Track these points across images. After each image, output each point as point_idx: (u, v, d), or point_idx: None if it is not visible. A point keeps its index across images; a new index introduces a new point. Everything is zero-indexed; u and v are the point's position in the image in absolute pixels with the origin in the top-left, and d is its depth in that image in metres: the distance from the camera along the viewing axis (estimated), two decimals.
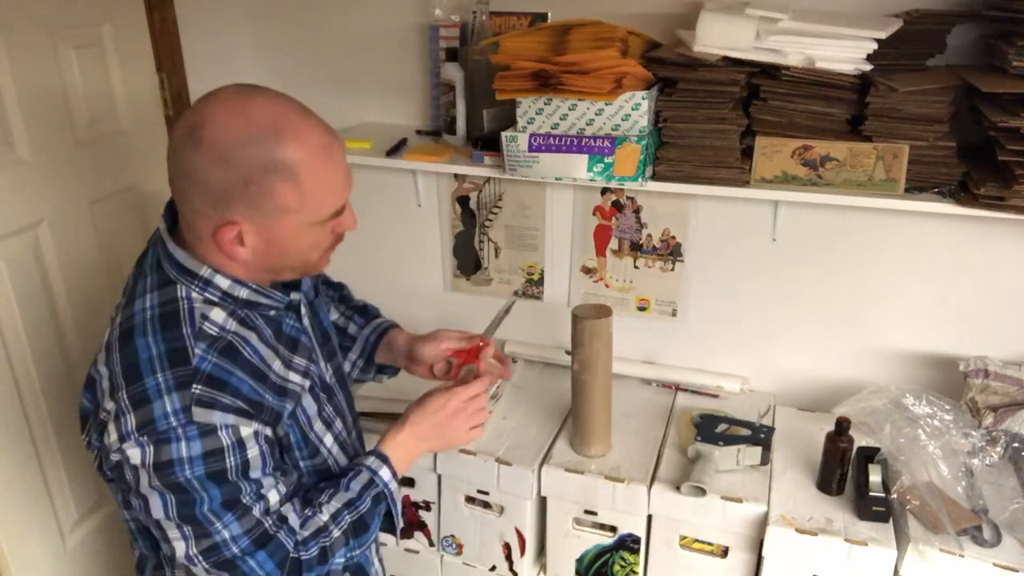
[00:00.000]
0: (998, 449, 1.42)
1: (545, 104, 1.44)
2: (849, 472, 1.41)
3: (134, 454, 0.90)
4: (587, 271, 1.82)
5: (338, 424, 1.14)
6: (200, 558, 0.95)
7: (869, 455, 1.41)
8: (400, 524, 1.14)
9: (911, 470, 1.36)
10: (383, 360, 1.35)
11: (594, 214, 1.77)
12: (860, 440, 1.44)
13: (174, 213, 0.99)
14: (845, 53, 1.32)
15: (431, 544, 1.70)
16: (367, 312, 1.38)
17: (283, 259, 0.99)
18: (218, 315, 0.97)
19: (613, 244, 1.78)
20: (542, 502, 1.60)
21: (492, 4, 1.61)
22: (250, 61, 1.92)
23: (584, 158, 1.44)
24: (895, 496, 1.35)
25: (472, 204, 1.86)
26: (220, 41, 1.89)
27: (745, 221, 1.64)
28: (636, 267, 1.78)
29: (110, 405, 0.92)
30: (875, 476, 1.35)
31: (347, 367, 1.32)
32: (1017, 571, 1.23)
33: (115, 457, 0.92)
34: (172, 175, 0.93)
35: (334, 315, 1.35)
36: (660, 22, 1.55)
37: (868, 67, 1.33)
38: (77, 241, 1.62)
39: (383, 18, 1.77)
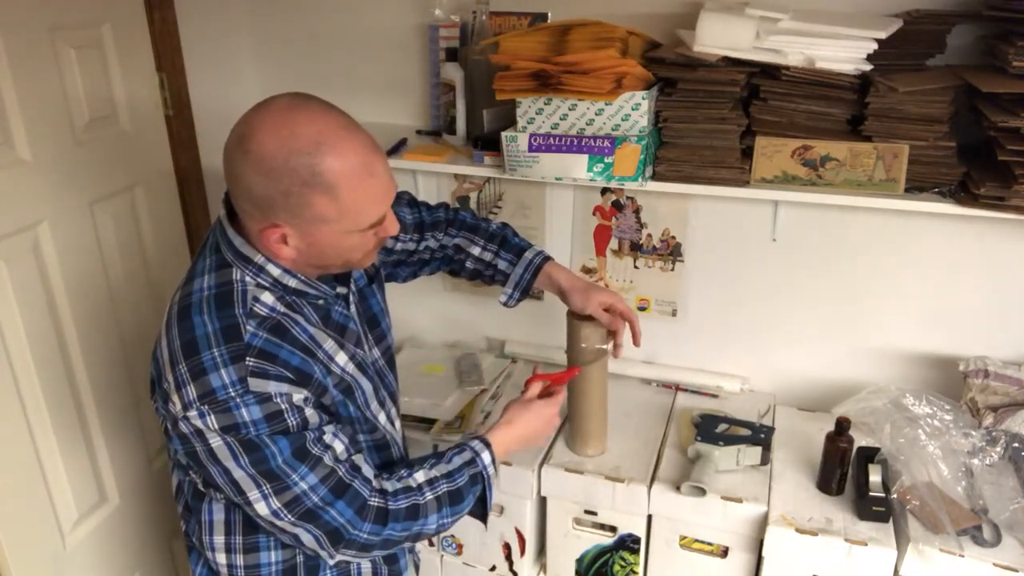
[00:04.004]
0: (998, 449, 1.42)
1: (545, 104, 1.44)
2: (849, 472, 1.41)
3: (198, 421, 0.97)
4: (587, 271, 1.82)
5: (389, 405, 1.22)
6: (284, 511, 1.01)
7: (869, 455, 1.41)
8: (491, 510, 1.20)
9: (911, 470, 1.36)
10: (538, 287, 1.44)
11: (594, 214, 1.77)
12: (860, 440, 1.44)
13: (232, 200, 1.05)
14: (845, 53, 1.32)
15: (431, 544, 1.70)
16: (509, 244, 1.43)
17: (325, 259, 1.05)
18: (268, 298, 1.03)
19: (613, 244, 1.78)
20: (542, 502, 1.60)
21: (492, 4, 1.61)
22: (250, 61, 1.92)
23: (584, 158, 1.44)
24: (895, 496, 1.35)
25: (472, 204, 1.86)
26: (220, 41, 1.89)
27: (745, 221, 1.64)
28: (636, 267, 1.78)
29: (171, 376, 0.99)
30: (875, 476, 1.35)
31: (502, 298, 1.44)
32: (1017, 571, 1.23)
33: (183, 426, 0.99)
34: (225, 175, 1.00)
35: (477, 250, 1.42)
36: (660, 22, 1.55)
37: (868, 67, 1.33)
38: (77, 241, 1.62)
39: (383, 18, 1.77)
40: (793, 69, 1.34)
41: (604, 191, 1.74)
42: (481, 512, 1.19)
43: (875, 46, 1.30)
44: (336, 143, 0.95)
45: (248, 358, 0.97)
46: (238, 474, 0.98)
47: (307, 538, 1.04)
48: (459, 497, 1.13)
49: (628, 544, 1.54)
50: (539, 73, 1.40)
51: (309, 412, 1.01)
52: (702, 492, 1.40)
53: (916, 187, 1.37)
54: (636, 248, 1.76)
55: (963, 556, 1.26)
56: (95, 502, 1.73)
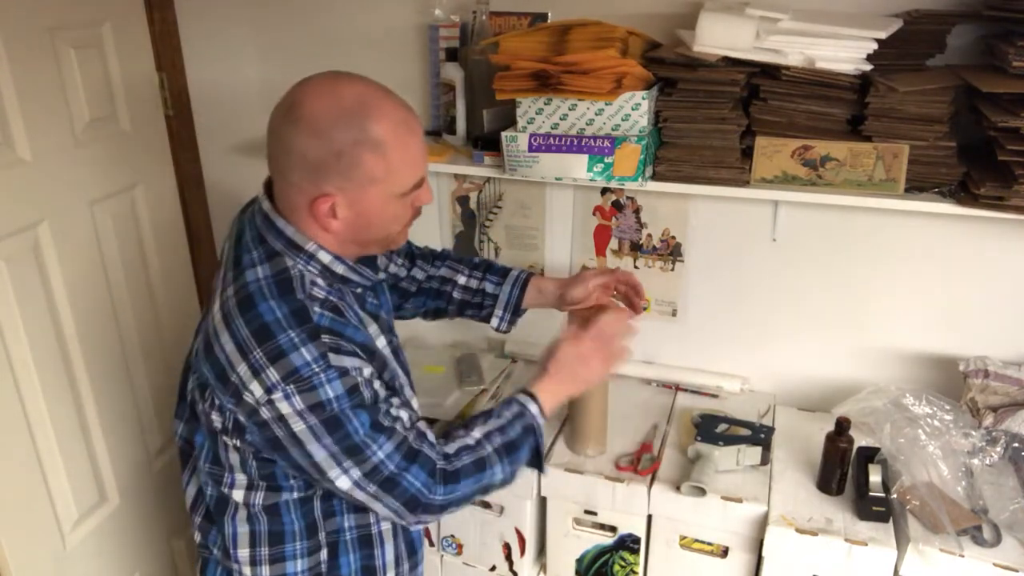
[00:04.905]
0: (998, 449, 1.42)
1: (545, 104, 1.44)
2: (849, 472, 1.41)
3: (283, 404, 0.98)
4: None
5: (409, 393, 1.24)
6: (365, 481, 1.03)
7: (869, 455, 1.41)
8: (545, 458, 1.23)
9: (911, 470, 1.36)
10: (529, 306, 1.46)
11: (594, 214, 1.77)
12: (860, 440, 1.44)
13: (270, 193, 1.09)
14: (845, 53, 1.32)
15: (431, 544, 1.70)
16: (494, 268, 1.48)
17: (369, 231, 1.08)
18: (321, 283, 1.07)
19: (613, 244, 1.78)
20: (542, 502, 1.60)
21: (492, 4, 1.61)
22: (250, 61, 1.92)
23: (584, 158, 1.44)
24: (895, 496, 1.35)
25: (472, 204, 1.86)
26: (220, 41, 1.89)
27: (745, 221, 1.64)
28: (636, 267, 1.78)
29: (243, 366, 0.99)
30: (875, 476, 1.35)
31: (494, 322, 1.46)
32: (1017, 571, 1.23)
33: (265, 412, 0.99)
34: (272, 153, 1.04)
35: (463, 279, 1.45)
36: (660, 22, 1.55)
37: (868, 67, 1.33)
38: (77, 241, 1.63)
39: (383, 18, 1.77)
40: (793, 69, 1.34)
41: (604, 191, 1.74)
42: (537, 462, 1.21)
43: (875, 46, 1.30)
44: (379, 104, 1.02)
45: (323, 336, 1.00)
46: (320, 455, 1.01)
47: (385, 512, 1.07)
48: (515, 447, 1.16)
49: (628, 544, 1.54)
50: (539, 73, 1.40)
51: (377, 385, 1.05)
52: (702, 492, 1.40)
53: (916, 187, 1.37)
54: (636, 248, 1.76)
55: (963, 556, 1.26)
56: (95, 502, 1.73)
